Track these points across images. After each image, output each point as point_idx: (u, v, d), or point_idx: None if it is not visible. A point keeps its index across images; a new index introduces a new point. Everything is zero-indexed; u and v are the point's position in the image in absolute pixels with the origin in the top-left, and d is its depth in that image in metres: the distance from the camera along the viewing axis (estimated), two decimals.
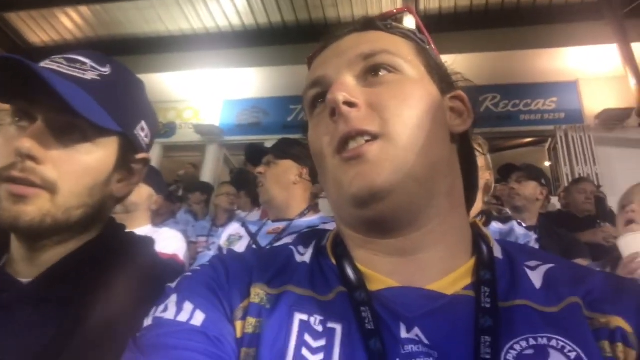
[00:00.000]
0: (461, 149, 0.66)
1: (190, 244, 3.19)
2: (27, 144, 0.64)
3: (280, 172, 1.87)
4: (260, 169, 1.90)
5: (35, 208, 0.65)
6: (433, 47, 0.69)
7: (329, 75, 0.61)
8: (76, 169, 0.69)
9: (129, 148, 0.77)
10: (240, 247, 1.79)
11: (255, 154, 2.06)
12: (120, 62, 0.78)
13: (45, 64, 0.69)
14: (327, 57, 0.64)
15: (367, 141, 0.54)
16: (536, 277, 0.55)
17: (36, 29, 7.16)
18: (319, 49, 0.67)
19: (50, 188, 0.66)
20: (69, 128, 0.68)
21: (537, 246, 2.12)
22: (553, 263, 0.57)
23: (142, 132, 0.79)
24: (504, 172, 2.87)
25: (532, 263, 0.58)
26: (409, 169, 0.53)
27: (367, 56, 0.60)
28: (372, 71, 0.59)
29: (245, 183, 4.83)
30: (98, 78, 0.71)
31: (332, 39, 0.66)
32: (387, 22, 0.67)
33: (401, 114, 0.55)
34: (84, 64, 0.72)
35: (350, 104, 0.55)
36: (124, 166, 0.77)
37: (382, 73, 0.59)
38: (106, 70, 0.73)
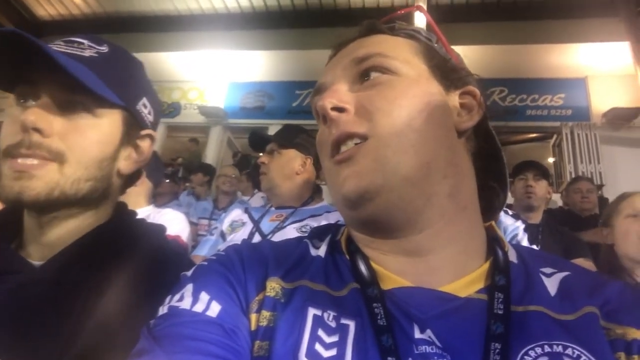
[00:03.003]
0: (479, 146, 0.64)
1: (191, 224, 3.22)
2: (32, 117, 0.65)
3: (283, 161, 1.83)
4: (264, 158, 1.87)
5: (42, 182, 0.66)
6: (443, 43, 0.67)
7: (326, 82, 0.63)
8: (82, 141, 0.70)
9: (133, 124, 0.79)
10: (242, 233, 1.78)
11: (258, 141, 2.03)
12: (117, 43, 0.79)
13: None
14: (330, 65, 0.65)
15: (356, 144, 0.55)
16: (552, 284, 0.54)
17: (44, 2, 7.10)
18: (330, 56, 0.68)
19: (58, 159, 0.67)
20: (73, 104, 0.70)
21: (525, 236, 2.09)
22: (569, 271, 0.56)
23: (144, 108, 0.81)
24: (520, 169, 2.78)
25: (548, 270, 0.57)
26: (399, 170, 0.53)
27: (360, 60, 0.60)
28: (365, 75, 0.60)
29: (247, 167, 4.84)
30: (96, 55, 0.73)
31: (339, 46, 0.66)
32: (392, 24, 0.66)
33: (390, 114, 0.54)
34: (81, 43, 0.73)
35: (339, 109, 0.57)
36: (130, 142, 0.79)
37: (374, 75, 0.59)
38: (104, 48, 0.75)
